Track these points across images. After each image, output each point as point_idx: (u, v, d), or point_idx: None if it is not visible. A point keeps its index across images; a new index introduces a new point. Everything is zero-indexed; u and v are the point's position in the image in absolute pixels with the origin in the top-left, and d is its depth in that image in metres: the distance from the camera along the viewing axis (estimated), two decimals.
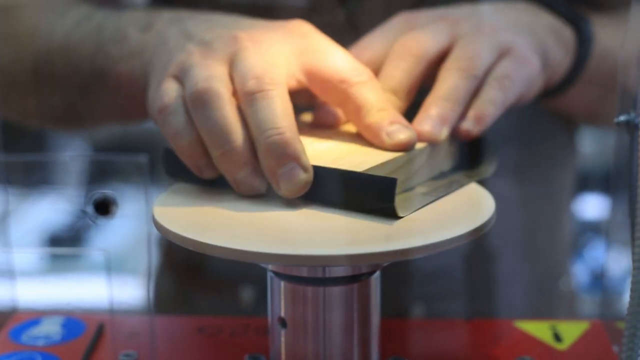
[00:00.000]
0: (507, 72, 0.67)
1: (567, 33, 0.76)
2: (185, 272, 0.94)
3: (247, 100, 0.61)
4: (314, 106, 0.70)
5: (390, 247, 0.55)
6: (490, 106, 0.66)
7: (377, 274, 0.60)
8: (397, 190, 0.59)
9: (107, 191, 0.55)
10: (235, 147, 0.60)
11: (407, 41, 0.68)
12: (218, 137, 0.61)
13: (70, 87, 0.79)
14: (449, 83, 0.65)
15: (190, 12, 0.73)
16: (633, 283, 0.47)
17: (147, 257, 0.56)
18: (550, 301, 0.93)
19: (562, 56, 0.75)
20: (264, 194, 0.62)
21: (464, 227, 0.58)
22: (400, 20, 0.71)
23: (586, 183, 1.23)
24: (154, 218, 0.59)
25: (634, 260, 0.47)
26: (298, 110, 0.70)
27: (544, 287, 0.93)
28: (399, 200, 0.59)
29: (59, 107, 0.82)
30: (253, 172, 0.61)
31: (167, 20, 0.72)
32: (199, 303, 0.93)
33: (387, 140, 0.63)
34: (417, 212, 0.60)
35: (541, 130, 0.90)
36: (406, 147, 0.63)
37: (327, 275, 0.59)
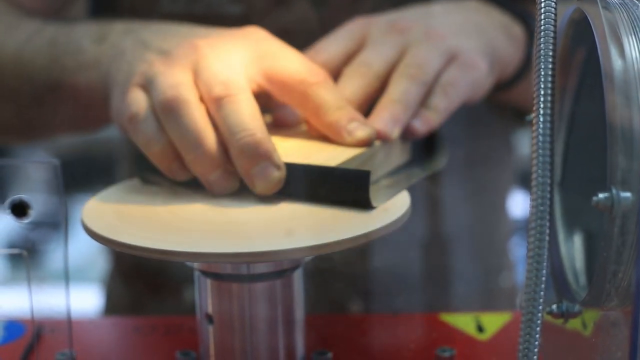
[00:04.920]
0: (452, 80, 0.71)
1: (516, 29, 0.79)
2: (135, 275, 0.96)
3: (216, 105, 0.64)
4: (272, 108, 0.72)
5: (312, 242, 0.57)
6: (434, 113, 0.70)
7: (300, 269, 0.62)
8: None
9: (22, 195, 0.57)
10: (207, 150, 0.63)
11: (360, 60, 0.71)
12: (190, 142, 0.64)
13: (22, 99, 0.80)
14: (401, 88, 0.69)
15: (142, 22, 0.75)
16: (528, 271, 0.49)
17: (64, 261, 0.58)
18: (492, 295, 0.96)
19: (512, 52, 0.78)
20: (192, 195, 0.65)
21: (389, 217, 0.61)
22: (354, 26, 0.74)
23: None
24: (82, 218, 0.61)
25: (528, 250, 0.49)
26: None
27: (486, 281, 0.96)
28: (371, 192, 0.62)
29: (10, 119, 0.84)
30: (225, 172, 0.64)
31: (121, 31, 0.74)
32: (150, 305, 0.95)
33: (348, 138, 0.67)
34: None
35: (481, 129, 0.92)
36: (366, 143, 0.66)
37: (251, 272, 0.61)
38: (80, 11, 0.90)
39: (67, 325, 0.63)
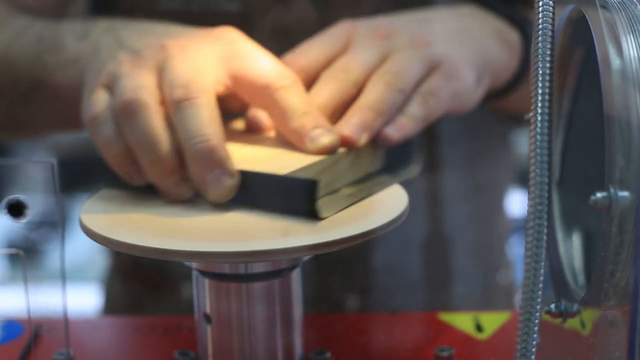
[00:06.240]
0: (433, 89, 0.69)
1: (512, 36, 0.78)
2: (134, 273, 0.96)
3: (174, 109, 0.63)
4: (246, 111, 0.72)
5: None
6: (411, 121, 0.68)
7: (298, 269, 0.62)
8: (322, 191, 0.61)
9: (20, 195, 0.57)
10: (162, 155, 0.62)
11: (339, 65, 0.70)
12: (145, 146, 0.63)
13: (10, 96, 0.81)
14: (374, 94, 0.67)
15: (124, 20, 0.75)
16: (525, 271, 0.49)
17: (61, 261, 0.58)
18: (491, 294, 0.96)
19: (507, 59, 0.77)
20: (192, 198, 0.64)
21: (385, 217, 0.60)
22: (338, 29, 0.73)
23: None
24: (80, 218, 0.61)
25: (526, 249, 0.49)
26: (232, 115, 0.72)
27: (485, 280, 0.96)
28: (323, 202, 0.61)
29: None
30: (180, 179, 0.63)
31: (103, 29, 0.74)
32: (149, 304, 0.95)
33: (310, 145, 0.65)
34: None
35: (479, 128, 0.92)
36: (329, 151, 0.65)
37: (249, 271, 0.61)
38: (81, 10, 0.89)
39: (64, 325, 0.63)
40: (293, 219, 0.60)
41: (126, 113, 0.63)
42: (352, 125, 0.66)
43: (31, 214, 0.58)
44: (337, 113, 0.68)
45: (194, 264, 0.62)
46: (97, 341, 0.71)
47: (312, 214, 0.60)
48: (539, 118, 0.50)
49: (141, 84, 0.64)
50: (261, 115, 0.71)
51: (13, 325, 0.71)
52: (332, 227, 0.59)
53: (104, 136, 0.64)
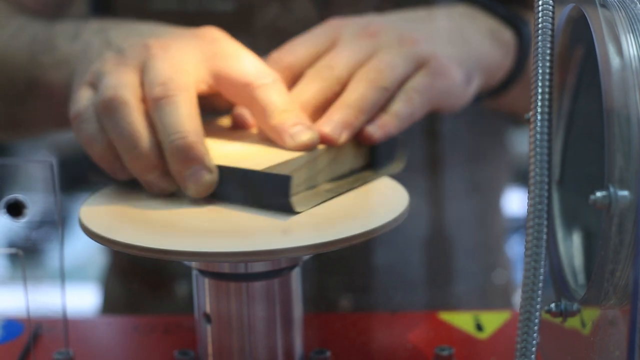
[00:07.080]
0: (419, 86, 0.69)
1: (506, 35, 0.78)
2: (133, 272, 0.96)
3: (154, 106, 0.64)
4: (233, 109, 0.72)
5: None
6: (394, 119, 0.68)
7: (298, 268, 0.62)
8: (299, 187, 0.62)
9: (19, 194, 0.57)
10: (143, 151, 0.63)
11: (324, 63, 0.70)
12: (126, 142, 0.63)
13: (7, 96, 0.81)
14: (356, 92, 0.67)
15: (115, 21, 0.76)
16: (525, 270, 0.49)
17: (60, 260, 0.58)
18: (491, 293, 0.96)
19: (500, 59, 0.77)
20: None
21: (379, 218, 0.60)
22: (327, 27, 0.73)
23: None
24: (80, 218, 0.61)
25: (526, 248, 0.49)
26: (220, 113, 0.72)
27: (485, 279, 0.96)
28: (301, 197, 0.62)
29: None
30: (162, 174, 0.64)
31: (94, 30, 0.75)
32: (149, 303, 0.95)
33: (290, 141, 0.66)
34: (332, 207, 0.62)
35: (477, 126, 0.92)
36: (308, 147, 0.65)
37: (249, 271, 0.61)
38: (80, 10, 0.90)
39: (63, 324, 0.63)
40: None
41: (107, 110, 0.64)
42: (333, 123, 0.66)
43: (31, 213, 0.58)
44: (321, 110, 0.68)
45: (193, 264, 0.62)
46: (97, 341, 0.71)
47: (287, 209, 0.60)
48: (539, 117, 0.50)
49: (123, 82, 0.65)
50: (246, 113, 0.71)
51: (13, 325, 0.71)
52: (332, 227, 0.59)
53: (87, 133, 0.65)
